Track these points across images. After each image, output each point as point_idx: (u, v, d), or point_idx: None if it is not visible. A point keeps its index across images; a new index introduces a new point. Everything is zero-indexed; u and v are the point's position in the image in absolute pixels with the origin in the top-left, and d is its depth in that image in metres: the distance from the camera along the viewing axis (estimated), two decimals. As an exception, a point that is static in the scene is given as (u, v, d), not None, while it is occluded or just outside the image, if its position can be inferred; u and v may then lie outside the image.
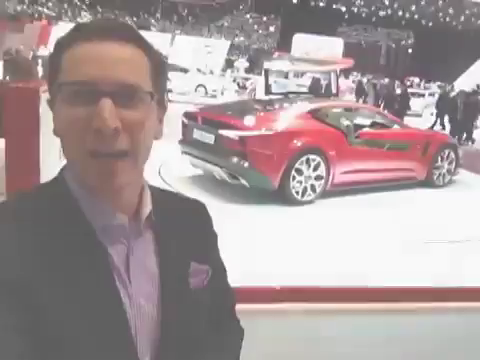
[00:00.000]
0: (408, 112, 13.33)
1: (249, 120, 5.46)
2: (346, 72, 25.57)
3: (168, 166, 6.48)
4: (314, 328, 1.57)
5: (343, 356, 1.58)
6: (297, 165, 5.41)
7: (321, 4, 35.22)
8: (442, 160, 6.94)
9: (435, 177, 6.90)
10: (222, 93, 18.83)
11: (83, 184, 0.67)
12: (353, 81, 25.46)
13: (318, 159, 5.54)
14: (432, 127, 13.17)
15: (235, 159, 5.23)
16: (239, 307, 1.48)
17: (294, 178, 5.41)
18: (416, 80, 34.45)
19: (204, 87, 19.11)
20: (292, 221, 4.99)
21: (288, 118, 5.69)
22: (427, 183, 6.83)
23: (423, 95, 20.56)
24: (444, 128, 13.27)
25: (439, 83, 27.21)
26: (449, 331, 1.64)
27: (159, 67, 0.70)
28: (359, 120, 7.09)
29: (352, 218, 5.17)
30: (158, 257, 0.74)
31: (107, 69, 0.63)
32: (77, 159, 0.64)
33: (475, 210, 5.75)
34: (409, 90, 16.91)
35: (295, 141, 5.43)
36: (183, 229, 0.79)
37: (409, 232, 4.82)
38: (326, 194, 5.76)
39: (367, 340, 1.61)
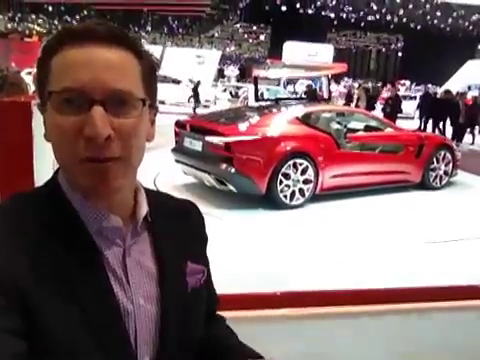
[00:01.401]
0: (400, 115, 13.45)
1: (235, 126, 5.55)
2: (337, 78, 25.76)
3: (163, 176, 6.55)
4: (315, 333, 1.57)
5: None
6: (284, 169, 5.45)
7: (310, 11, 35.51)
8: (438, 161, 6.89)
9: (431, 179, 6.86)
10: (215, 102, 18.91)
11: (76, 187, 0.67)
12: (344, 86, 25.65)
13: (305, 163, 5.58)
14: (424, 129, 13.28)
15: (222, 165, 5.29)
16: (239, 314, 1.47)
17: (281, 182, 5.45)
18: (407, 83, 34.77)
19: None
20: (281, 226, 5.00)
21: (274, 123, 5.75)
22: (423, 185, 6.79)
23: (414, 97, 20.75)
24: (425, 130, 13.39)
25: (430, 85, 27.46)
26: (449, 331, 1.64)
27: (150, 69, 0.69)
28: (351, 124, 7.14)
29: (342, 221, 5.18)
30: (156, 257, 0.74)
31: (98, 76, 0.62)
32: (69, 165, 0.64)
33: (470, 211, 5.78)
34: (400, 93, 17.06)
35: (281, 146, 5.47)
36: (178, 229, 0.80)
37: (401, 233, 4.84)
38: (317, 198, 5.78)
39: (369, 342, 1.61)
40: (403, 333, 1.61)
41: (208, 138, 5.39)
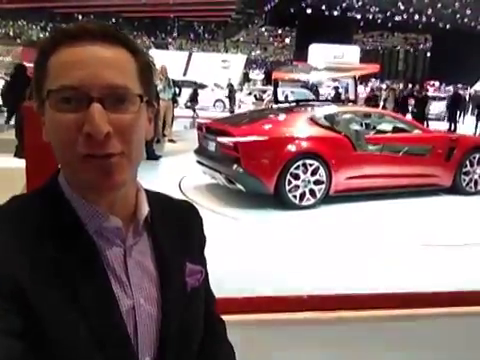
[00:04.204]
0: (430, 116, 13.22)
1: (244, 127, 5.65)
2: (365, 79, 25.38)
3: (188, 177, 6.71)
4: (339, 335, 1.56)
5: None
6: (292, 170, 5.44)
7: (335, 13, 35.17)
8: (472, 165, 6.59)
9: (464, 183, 6.56)
10: (239, 106, 18.99)
11: (76, 187, 0.68)
12: (371, 88, 25.27)
13: (316, 164, 5.54)
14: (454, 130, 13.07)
15: (231, 165, 5.38)
16: (265, 317, 1.47)
17: (290, 182, 5.45)
18: (436, 83, 33.98)
19: (222, 102, 19.33)
20: (291, 227, 4.96)
21: (285, 125, 5.78)
22: (455, 190, 6.52)
23: (444, 98, 20.27)
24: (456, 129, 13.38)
25: (460, 85, 26.75)
26: (465, 334, 1.60)
27: (146, 67, 0.70)
28: (375, 125, 7.04)
29: (351, 223, 5.10)
30: (156, 258, 0.74)
31: (95, 73, 0.62)
32: (71, 163, 0.64)
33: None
34: (430, 94, 16.72)
35: (289, 146, 5.49)
36: (177, 230, 0.80)
37: (426, 236, 4.73)
38: (332, 200, 5.71)
39: (394, 345, 1.58)
40: (434, 338, 1.57)
41: (219, 139, 5.54)
